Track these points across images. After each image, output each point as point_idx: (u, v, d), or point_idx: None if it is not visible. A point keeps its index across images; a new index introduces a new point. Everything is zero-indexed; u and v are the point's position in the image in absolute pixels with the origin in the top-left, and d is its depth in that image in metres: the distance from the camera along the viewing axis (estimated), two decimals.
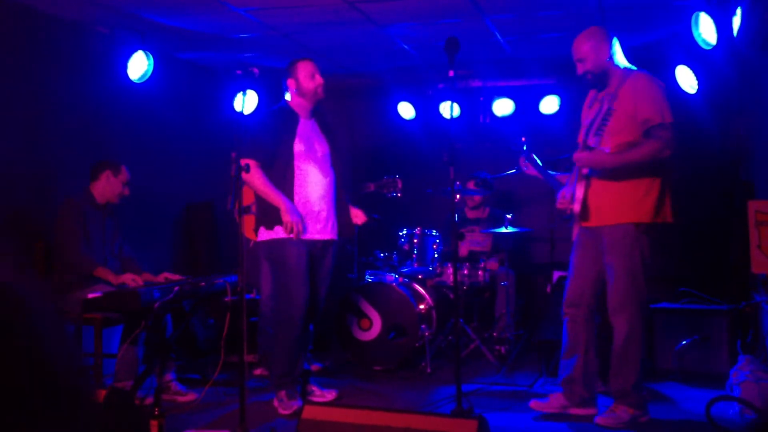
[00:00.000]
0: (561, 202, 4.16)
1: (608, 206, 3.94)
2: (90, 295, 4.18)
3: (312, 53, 5.98)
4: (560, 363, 4.19)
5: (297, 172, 4.33)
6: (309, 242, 4.35)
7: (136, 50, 5.42)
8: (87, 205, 4.61)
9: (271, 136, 4.34)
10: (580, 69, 4.06)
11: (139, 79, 5.51)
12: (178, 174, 6.26)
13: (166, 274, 4.76)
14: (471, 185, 6.23)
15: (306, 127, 4.45)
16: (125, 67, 5.42)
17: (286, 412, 4.21)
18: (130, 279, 4.46)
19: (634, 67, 4.05)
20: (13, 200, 4.77)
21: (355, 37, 5.75)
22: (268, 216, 4.31)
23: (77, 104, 5.26)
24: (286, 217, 4.22)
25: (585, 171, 4.01)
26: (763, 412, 3.78)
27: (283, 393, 4.29)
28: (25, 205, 4.86)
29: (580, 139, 4.10)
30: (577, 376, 4.08)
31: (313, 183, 4.37)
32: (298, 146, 4.35)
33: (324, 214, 4.41)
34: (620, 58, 4.06)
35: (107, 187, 4.69)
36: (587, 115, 4.14)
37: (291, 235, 4.23)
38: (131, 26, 5.33)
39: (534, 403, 4.15)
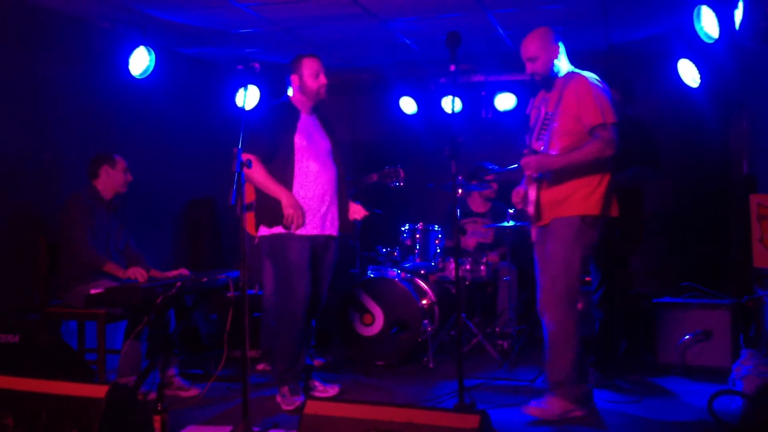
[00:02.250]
0: (515, 199, 4.22)
1: (559, 202, 3.96)
2: (93, 291, 4.18)
3: (313, 48, 5.98)
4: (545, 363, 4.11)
5: (298, 167, 4.32)
6: (311, 237, 4.35)
7: (137, 45, 5.42)
8: (91, 200, 4.62)
9: (271, 130, 4.33)
10: (530, 68, 4.07)
11: (141, 74, 5.51)
12: (179, 169, 6.26)
13: (175, 272, 4.75)
14: (482, 174, 6.23)
15: (307, 122, 4.44)
16: (127, 63, 5.42)
17: (289, 408, 4.21)
18: (136, 273, 4.47)
19: (577, 70, 4.06)
20: (15, 195, 4.78)
21: (357, 31, 5.75)
22: (268, 214, 4.30)
23: (79, 99, 5.26)
24: (287, 210, 4.21)
25: (534, 174, 4.02)
26: (754, 399, 3.77)
27: (285, 388, 4.29)
28: (27, 200, 4.87)
29: (528, 140, 4.13)
30: None
31: (315, 178, 4.36)
32: (299, 141, 4.34)
33: (326, 209, 4.40)
34: (564, 61, 4.07)
35: (109, 181, 4.69)
36: (533, 117, 4.18)
37: (291, 229, 4.24)
38: (133, 21, 5.33)
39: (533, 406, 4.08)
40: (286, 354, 4.31)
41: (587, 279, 5.00)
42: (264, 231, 4.36)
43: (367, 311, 5.52)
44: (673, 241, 6.41)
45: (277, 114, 4.41)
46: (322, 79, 4.42)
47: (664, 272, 6.06)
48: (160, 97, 5.95)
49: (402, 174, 5.27)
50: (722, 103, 6.13)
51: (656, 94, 6.19)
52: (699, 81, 5.68)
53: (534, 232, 4.16)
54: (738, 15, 4.25)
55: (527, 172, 4.05)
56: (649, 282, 5.76)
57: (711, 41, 4.75)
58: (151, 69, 5.53)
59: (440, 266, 5.78)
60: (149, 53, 5.48)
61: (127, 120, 5.69)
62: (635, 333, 5.00)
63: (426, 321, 5.43)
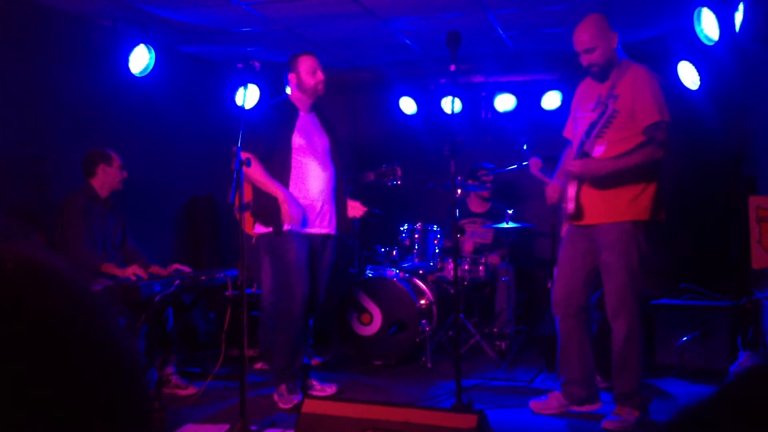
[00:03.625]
0: (551, 193, 4.04)
1: (605, 205, 3.82)
2: None
3: (313, 47, 5.98)
4: (558, 363, 4.11)
5: (296, 165, 4.32)
6: (309, 236, 4.35)
7: (137, 43, 5.42)
8: (87, 199, 4.61)
9: (269, 129, 4.33)
10: (587, 60, 3.81)
11: (141, 72, 5.50)
12: (179, 167, 6.26)
13: (177, 266, 4.76)
14: (480, 174, 6.23)
15: (306, 120, 4.44)
16: (127, 61, 5.42)
17: (287, 407, 4.21)
18: (134, 272, 4.46)
19: (630, 60, 3.89)
20: (14, 192, 4.77)
21: (357, 30, 5.74)
22: (266, 212, 4.30)
23: (78, 97, 5.26)
24: (284, 207, 4.21)
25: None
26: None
27: (283, 387, 4.29)
28: (26, 197, 4.87)
29: (576, 135, 3.93)
30: (576, 376, 4.02)
31: (313, 177, 4.36)
32: (298, 140, 4.34)
33: (324, 208, 4.40)
34: (619, 51, 3.89)
35: (106, 179, 4.68)
36: (584, 109, 3.92)
37: (292, 225, 4.23)
38: (133, 19, 5.32)
39: (533, 404, 4.08)
40: (283, 352, 4.31)
41: None
42: (262, 229, 4.36)
43: (366, 311, 5.52)
44: (672, 242, 6.40)
45: (276, 112, 4.41)
46: (320, 76, 4.40)
47: (662, 274, 6.06)
48: (160, 96, 5.94)
49: (399, 172, 5.27)
50: (722, 105, 6.12)
51: None
52: (699, 83, 5.68)
53: (565, 228, 4.04)
54: (738, 17, 4.25)
55: (572, 175, 3.83)
56: (648, 283, 5.75)
57: (711, 43, 4.76)
58: (151, 67, 5.53)
59: (439, 266, 5.77)
60: (149, 51, 5.48)
61: (127, 118, 5.68)
62: None
63: (424, 321, 5.43)
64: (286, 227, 4.24)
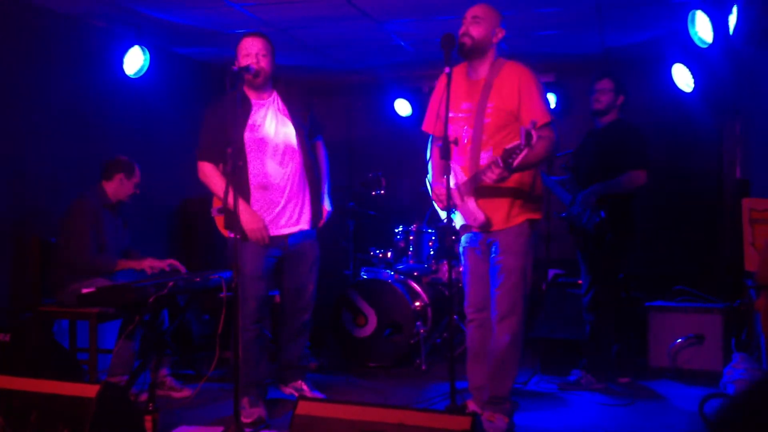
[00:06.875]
0: (440, 199, 3.79)
1: (502, 210, 3.66)
2: (84, 290, 4.16)
3: (308, 49, 5.98)
4: (468, 369, 3.92)
5: (252, 164, 4.01)
6: (272, 239, 4.06)
7: (132, 45, 5.41)
8: (100, 203, 4.59)
9: (217, 131, 3.90)
10: (464, 28, 3.63)
11: (135, 74, 5.49)
12: (173, 169, 6.24)
13: (174, 261, 4.75)
14: None
15: (259, 113, 4.06)
16: (121, 62, 5.41)
17: (247, 420, 3.89)
18: (150, 264, 4.55)
19: (504, 59, 3.75)
20: (7, 194, 4.75)
21: (352, 33, 5.74)
22: (227, 218, 4.00)
23: (73, 99, 5.24)
24: (247, 226, 3.94)
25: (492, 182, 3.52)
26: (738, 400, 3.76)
27: (245, 400, 4.01)
28: (20, 198, 4.85)
29: (451, 136, 3.53)
30: (485, 383, 3.83)
31: (272, 173, 4.03)
32: (250, 137, 4.00)
33: (288, 205, 4.10)
34: (498, 49, 3.77)
35: (120, 188, 4.66)
36: (457, 109, 3.68)
37: (258, 243, 4.00)
38: (128, 21, 5.31)
39: None
40: (242, 363, 3.87)
41: (579, 282, 5.02)
42: (227, 233, 4.11)
43: (360, 313, 5.52)
44: (666, 244, 6.42)
45: (222, 111, 3.88)
46: (252, 59, 3.91)
47: (656, 276, 6.07)
48: (155, 97, 5.94)
49: (383, 182, 5.23)
50: (716, 108, 6.15)
51: (650, 99, 6.21)
52: (693, 85, 5.70)
53: (469, 239, 3.83)
54: (732, 20, 4.27)
55: (489, 182, 3.51)
56: (642, 285, 5.76)
57: (705, 46, 4.77)
58: (145, 68, 5.52)
59: (433, 268, 5.78)
60: (144, 53, 5.47)
61: (121, 119, 5.67)
62: (627, 336, 5.01)
63: (419, 323, 5.43)
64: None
